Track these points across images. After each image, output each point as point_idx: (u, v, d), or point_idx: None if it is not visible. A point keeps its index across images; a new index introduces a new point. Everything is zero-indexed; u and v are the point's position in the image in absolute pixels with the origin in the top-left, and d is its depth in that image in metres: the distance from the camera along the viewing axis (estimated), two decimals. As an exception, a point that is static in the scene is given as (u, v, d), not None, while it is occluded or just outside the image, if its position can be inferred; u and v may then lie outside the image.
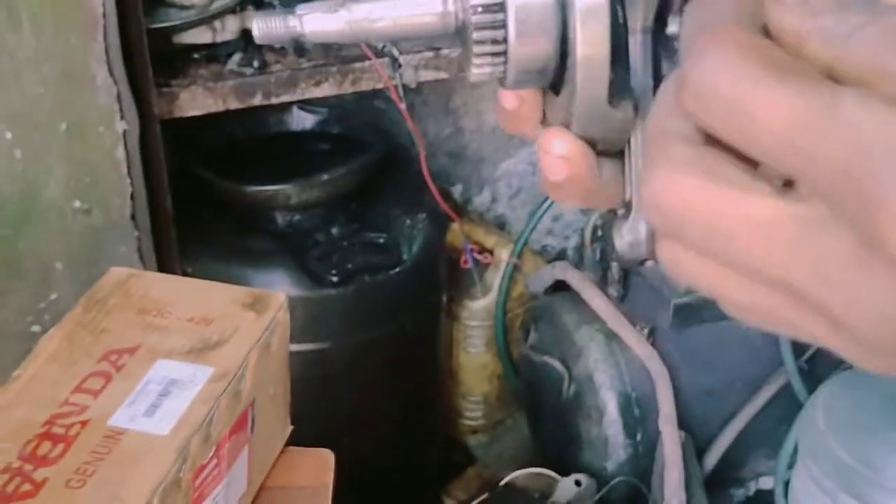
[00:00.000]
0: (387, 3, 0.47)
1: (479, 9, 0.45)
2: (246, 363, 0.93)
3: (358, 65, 1.79)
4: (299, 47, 1.80)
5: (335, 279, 1.70)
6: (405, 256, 1.78)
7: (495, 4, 0.45)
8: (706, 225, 0.33)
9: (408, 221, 1.82)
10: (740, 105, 0.32)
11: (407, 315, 1.80)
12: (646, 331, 1.78)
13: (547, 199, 2.32)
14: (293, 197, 1.74)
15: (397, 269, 1.76)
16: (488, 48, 0.46)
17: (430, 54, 1.82)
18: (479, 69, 0.46)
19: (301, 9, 0.47)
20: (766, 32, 0.35)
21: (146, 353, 0.92)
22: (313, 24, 0.47)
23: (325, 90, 1.79)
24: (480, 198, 2.32)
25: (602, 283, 1.88)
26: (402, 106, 1.82)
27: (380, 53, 1.80)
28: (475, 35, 0.46)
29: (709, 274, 0.35)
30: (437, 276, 1.89)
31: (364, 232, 1.78)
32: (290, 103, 1.88)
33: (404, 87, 1.82)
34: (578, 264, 2.16)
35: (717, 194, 0.33)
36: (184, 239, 1.69)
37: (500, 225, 2.34)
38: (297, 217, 1.78)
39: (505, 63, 0.46)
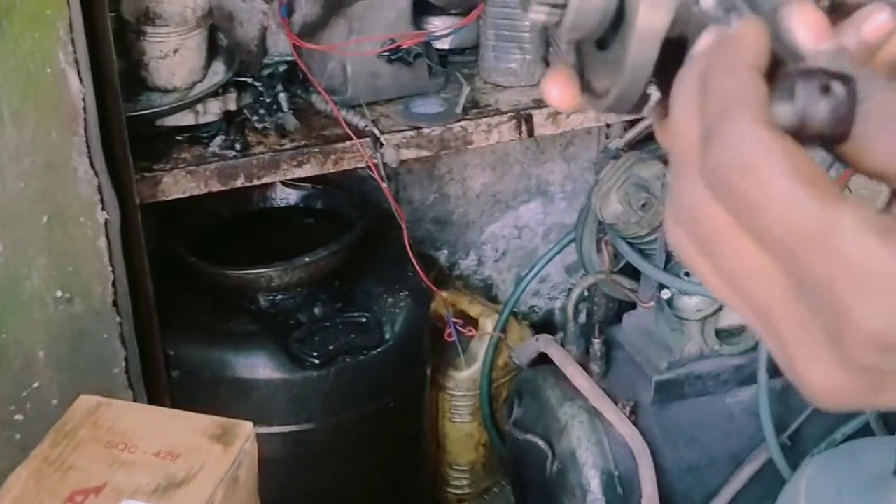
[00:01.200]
0: None
1: None
2: (212, 502, 0.93)
3: (340, 145, 1.80)
4: (281, 128, 1.81)
5: (317, 361, 1.71)
6: (388, 335, 1.78)
7: None
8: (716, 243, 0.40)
9: (390, 299, 1.83)
10: (754, 200, 0.37)
11: (390, 393, 1.81)
12: (628, 408, 1.79)
13: (533, 262, 2.33)
14: (275, 279, 1.75)
15: (380, 349, 1.76)
16: None
17: (411, 133, 1.83)
18: (537, 14, 0.47)
19: None
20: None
21: (112, 492, 0.93)
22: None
23: (307, 170, 1.80)
24: (466, 261, 2.33)
25: (585, 356, 1.89)
26: (385, 185, 1.83)
27: (361, 133, 1.81)
28: None
29: (705, 273, 0.41)
30: (421, 353, 1.90)
31: (346, 311, 1.79)
32: (273, 182, 1.89)
33: (385, 164, 1.83)
34: (564, 325, 2.18)
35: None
36: (166, 321, 1.70)
37: (487, 288, 2.35)
38: (279, 297, 1.79)
39: (564, 8, 0.48)
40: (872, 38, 0.51)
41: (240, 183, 1.77)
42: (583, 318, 2.11)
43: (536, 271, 2.12)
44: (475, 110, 1.89)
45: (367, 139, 1.81)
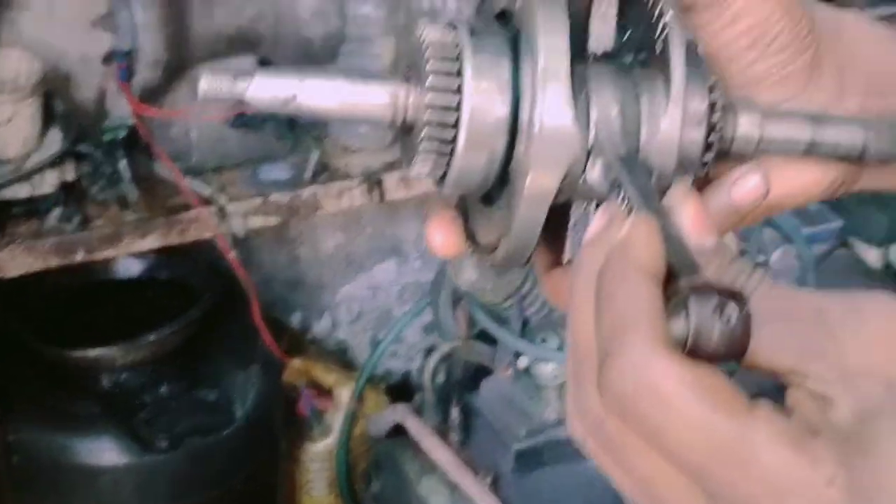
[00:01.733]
0: (339, 84, 0.47)
1: (434, 106, 0.46)
2: None
3: (184, 214, 1.73)
4: (122, 199, 1.73)
5: (164, 444, 1.63)
6: (238, 413, 1.72)
7: (450, 107, 0.46)
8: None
9: (241, 374, 1.76)
10: (656, 424, 0.36)
11: (243, 472, 1.74)
12: (488, 478, 1.76)
13: (388, 322, 2.29)
14: (119, 359, 1.67)
15: (230, 429, 1.70)
16: (435, 146, 0.46)
17: (258, 201, 1.78)
18: (421, 166, 0.47)
19: (257, 72, 0.46)
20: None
21: None
22: (259, 90, 0.46)
23: (151, 242, 1.72)
24: (320, 325, 2.28)
25: (443, 424, 1.86)
26: (232, 255, 1.77)
27: (207, 202, 1.75)
28: (424, 132, 0.46)
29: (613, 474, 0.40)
30: (273, 428, 1.84)
31: (195, 389, 1.72)
32: (115, 255, 1.80)
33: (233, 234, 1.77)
34: (422, 389, 2.14)
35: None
36: (6, 404, 1.60)
37: (342, 351, 2.29)
38: (124, 376, 1.71)
39: (447, 166, 0.47)
40: (743, 202, 0.50)
41: (80, 258, 1.68)
42: (441, 378, 2.08)
43: (391, 338, 2.08)
44: (325, 175, 1.84)
45: (213, 208, 1.75)
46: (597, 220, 0.44)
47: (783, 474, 0.36)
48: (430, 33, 0.47)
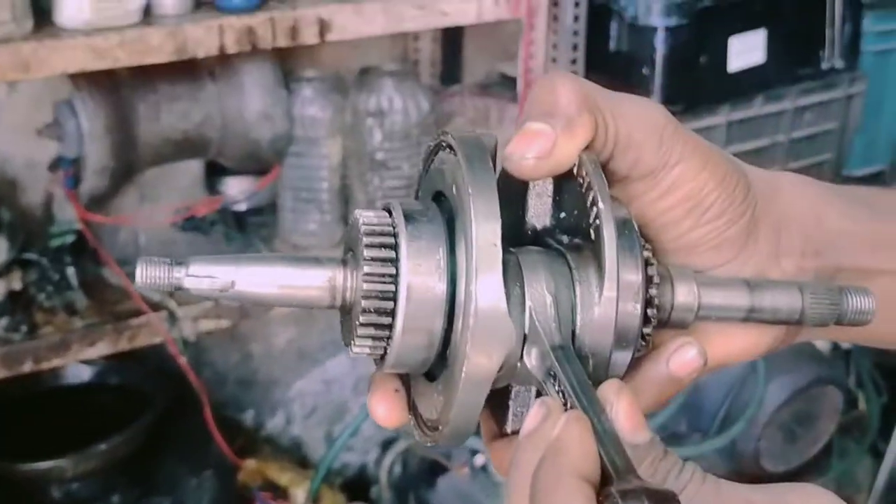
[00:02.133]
0: (276, 270, 0.48)
1: (370, 294, 0.47)
2: None
3: (134, 321, 1.72)
4: (69, 306, 1.72)
5: (117, 558, 1.61)
6: (192, 521, 1.69)
7: (386, 293, 0.47)
8: None
9: (194, 480, 1.74)
10: None
11: (198, 582, 1.71)
12: (447, 577, 1.74)
13: (343, 415, 2.28)
14: (69, 470, 1.64)
15: (185, 538, 1.67)
16: (372, 331, 0.47)
17: (209, 304, 1.77)
18: (360, 348, 0.48)
19: (192, 261, 0.47)
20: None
21: None
22: (196, 278, 0.47)
23: (101, 349, 1.71)
24: (274, 421, 2.26)
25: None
26: (183, 360, 1.76)
27: (157, 306, 1.74)
28: (361, 318, 0.47)
29: None
30: (229, 534, 1.81)
31: (147, 497, 1.70)
32: (63, 363, 1.78)
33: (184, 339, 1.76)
34: (376, 479, 2.12)
35: None
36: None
37: (297, 447, 2.27)
38: (74, 487, 1.68)
39: (386, 347, 0.48)
40: (680, 373, 0.51)
41: (27, 368, 1.66)
42: (398, 472, 2.07)
43: (348, 433, 2.06)
44: (276, 275, 1.84)
45: (163, 313, 1.74)
46: (532, 414, 0.44)
47: None
48: (366, 218, 0.48)
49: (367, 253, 0.47)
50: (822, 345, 2.02)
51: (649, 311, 0.50)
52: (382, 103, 1.81)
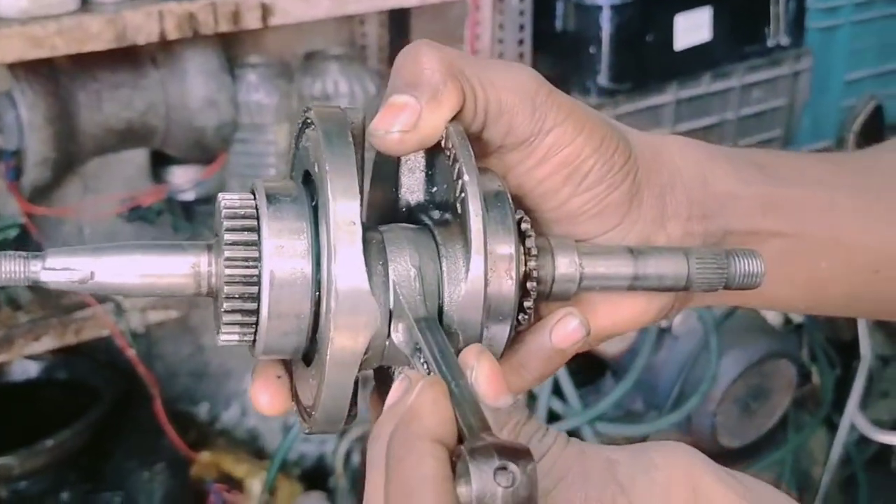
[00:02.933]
0: (136, 258, 0.46)
1: (233, 279, 0.45)
2: None
3: (79, 313, 1.69)
4: (13, 300, 1.69)
5: (68, 555, 1.58)
6: (145, 515, 1.67)
7: (250, 277, 0.45)
8: None
9: (146, 473, 1.72)
10: None
11: (152, 577, 1.69)
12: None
13: (299, 406, 2.26)
14: (16, 468, 1.61)
15: (137, 532, 1.65)
16: (238, 318, 0.46)
17: (157, 295, 1.74)
18: (227, 335, 0.47)
19: (49, 253, 0.46)
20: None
21: None
22: (54, 270, 0.46)
23: (46, 344, 1.68)
24: (229, 413, 2.23)
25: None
26: (132, 352, 1.73)
27: (103, 298, 1.71)
28: (226, 304, 0.45)
29: None
30: (183, 527, 1.79)
31: (98, 492, 1.68)
32: (9, 358, 1.75)
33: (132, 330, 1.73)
34: (334, 470, 2.11)
35: None
36: None
37: (253, 439, 2.25)
38: (22, 485, 1.65)
39: (255, 333, 0.46)
40: (564, 345, 0.50)
41: (-31, 366, 1.63)
42: (356, 461, 2.05)
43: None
44: (225, 264, 1.82)
45: (109, 305, 1.71)
46: (395, 388, 0.43)
47: None
48: (227, 201, 0.47)
49: (227, 237, 0.46)
50: (774, 319, 2.02)
51: (529, 285, 0.49)
52: (328, 88, 1.79)
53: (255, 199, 0.47)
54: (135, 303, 1.72)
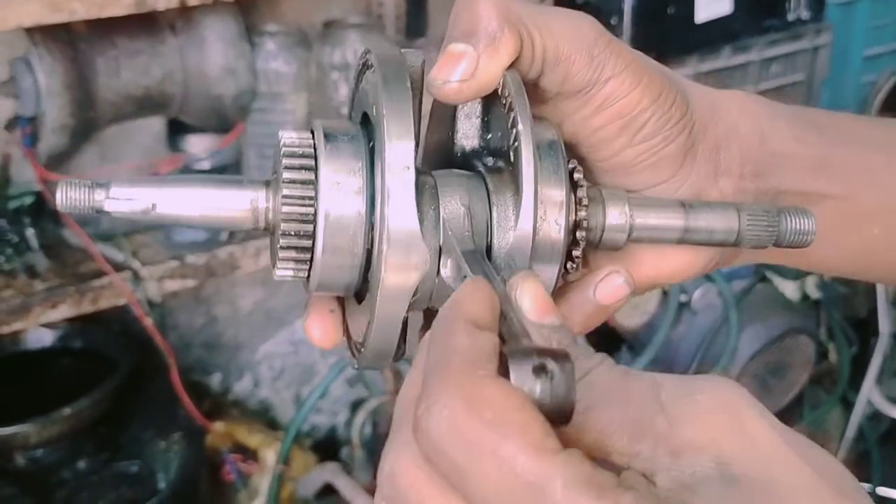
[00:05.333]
0: (198, 191, 0.47)
1: (290, 216, 0.46)
2: None
3: (96, 282, 1.68)
4: (30, 268, 1.68)
5: (86, 522, 1.57)
6: (161, 484, 1.66)
7: (306, 215, 0.46)
8: None
9: (162, 442, 1.71)
10: (463, 466, 0.35)
11: (168, 545, 1.68)
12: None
13: (311, 377, 2.25)
14: (33, 436, 1.60)
15: (154, 501, 1.64)
16: (294, 254, 0.47)
17: (174, 263, 1.73)
18: (283, 271, 0.48)
19: (113, 183, 0.47)
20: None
21: None
22: (117, 200, 0.47)
23: (63, 312, 1.67)
24: (241, 384, 2.23)
25: (374, 482, 1.82)
26: (149, 321, 1.72)
27: (120, 267, 1.70)
28: (282, 241, 0.47)
29: None
30: (198, 496, 1.78)
31: (115, 461, 1.67)
32: (25, 326, 1.74)
33: (149, 299, 1.72)
34: (349, 443, 2.10)
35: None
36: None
37: (265, 410, 2.24)
38: (39, 453, 1.64)
39: (309, 269, 0.48)
40: (607, 301, 0.50)
41: (-13, 332, 1.62)
42: (368, 432, 2.04)
43: (317, 394, 2.04)
44: (241, 234, 1.80)
45: (127, 273, 1.70)
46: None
47: None
48: (287, 139, 0.48)
49: (286, 175, 0.46)
50: (792, 294, 2.01)
51: (578, 233, 0.50)
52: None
53: (313, 138, 0.48)
54: (152, 271, 1.71)
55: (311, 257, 0.47)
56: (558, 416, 0.36)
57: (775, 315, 1.95)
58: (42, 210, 1.75)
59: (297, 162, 0.47)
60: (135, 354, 1.77)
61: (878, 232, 0.60)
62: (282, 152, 0.47)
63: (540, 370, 0.36)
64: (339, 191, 0.46)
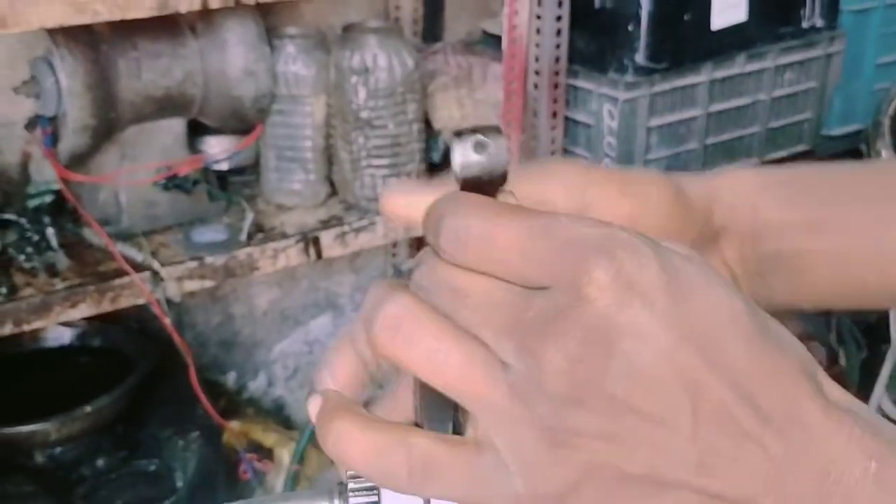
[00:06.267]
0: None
1: None
2: None
3: (117, 281, 1.69)
4: (50, 266, 1.69)
5: (104, 520, 1.59)
6: (179, 482, 1.68)
7: None
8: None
9: (180, 441, 1.73)
10: (488, 238, 0.39)
11: (185, 543, 1.70)
12: (436, 535, 1.74)
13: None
14: (52, 434, 1.62)
15: (172, 499, 1.66)
16: None
17: (193, 264, 1.75)
18: None
19: None
20: None
21: None
22: None
23: (83, 311, 1.68)
24: (256, 383, 2.24)
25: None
26: (168, 321, 1.73)
27: (139, 267, 1.71)
28: None
29: None
30: (215, 495, 1.79)
31: (133, 460, 1.68)
32: (45, 324, 1.75)
33: (168, 299, 1.74)
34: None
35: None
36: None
37: (279, 409, 2.26)
38: (58, 451, 1.66)
39: None
40: None
41: (8, 331, 1.63)
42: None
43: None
44: (260, 235, 1.82)
45: (146, 273, 1.71)
46: None
47: (584, 230, 0.37)
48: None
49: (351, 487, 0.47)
50: (806, 302, 2.03)
51: None
52: (367, 60, 1.78)
53: None
54: (172, 272, 1.72)
55: None
56: (499, 177, 0.42)
57: (787, 321, 1.96)
58: (62, 209, 1.77)
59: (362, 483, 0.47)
60: (153, 353, 1.78)
61: (873, 278, 0.63)
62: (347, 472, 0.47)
63: (478, 145, 0.42)
64: None
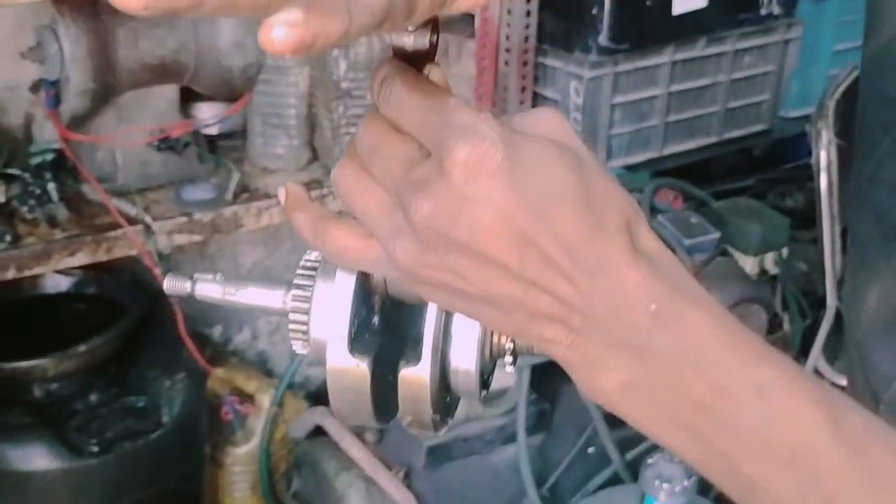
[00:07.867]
0: (253, 289, 0.68)
1: (294, 311, 0.65)
2: None
3: (111, 233, 1.84)
4: (51, 218, 1.84)
5: (95, 449, 1.74)
6: (166, 419, 1.83)
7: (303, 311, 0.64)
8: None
9: (167, 382, 1.87)
10: (404, 102, 0.52)
11: (170, 475, 1.85)
12: (401, 473, 1.89)
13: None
14: (50, 370, 1.77)
15: (158, 433, 1.80)
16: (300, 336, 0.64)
17: (183, 219, 1.89)
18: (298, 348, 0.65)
19: (198, 276, 0.68)
20: None
21: None
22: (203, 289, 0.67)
23: (80, 259, 1.83)
24: (241, 336, 2.39)
25: (361, 427, 1.98)
26: (158, 271, 1.88)
27: (133, 221, 1.86)
28: (290, 326, 0.65)
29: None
30: (199, 433, 1.95)
31: (123, 397, 1.83)
32: (45, 272, 1.90)
33: (158, 251, 1.88)
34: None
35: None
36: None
37: (263, 362, 2.41)
38: (54, 387, 1.80)
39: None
40: None
41: (11, 275, 1.78)
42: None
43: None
44: (245, 195, 1.97)
45: (139, 227, 1.86)
46: None
47: (457, 117, 0.50)
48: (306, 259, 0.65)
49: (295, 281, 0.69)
50: (752, 269, 2.17)
51: None
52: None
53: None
54: (162, 226, 1.87)
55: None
56: (423, 54, 0.53)
57: (731, 284, 2.10)
58: (62, 166, 1.91)
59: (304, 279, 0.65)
60: (144, 302, 1.93)
61: None
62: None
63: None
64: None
